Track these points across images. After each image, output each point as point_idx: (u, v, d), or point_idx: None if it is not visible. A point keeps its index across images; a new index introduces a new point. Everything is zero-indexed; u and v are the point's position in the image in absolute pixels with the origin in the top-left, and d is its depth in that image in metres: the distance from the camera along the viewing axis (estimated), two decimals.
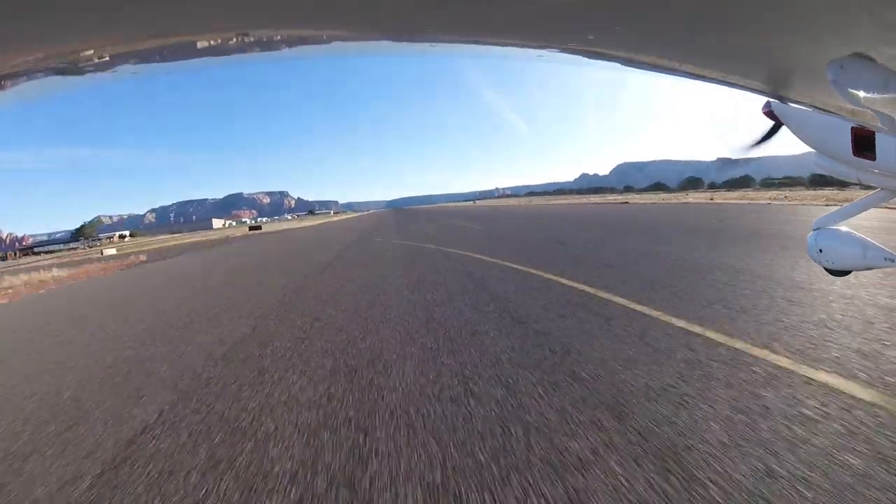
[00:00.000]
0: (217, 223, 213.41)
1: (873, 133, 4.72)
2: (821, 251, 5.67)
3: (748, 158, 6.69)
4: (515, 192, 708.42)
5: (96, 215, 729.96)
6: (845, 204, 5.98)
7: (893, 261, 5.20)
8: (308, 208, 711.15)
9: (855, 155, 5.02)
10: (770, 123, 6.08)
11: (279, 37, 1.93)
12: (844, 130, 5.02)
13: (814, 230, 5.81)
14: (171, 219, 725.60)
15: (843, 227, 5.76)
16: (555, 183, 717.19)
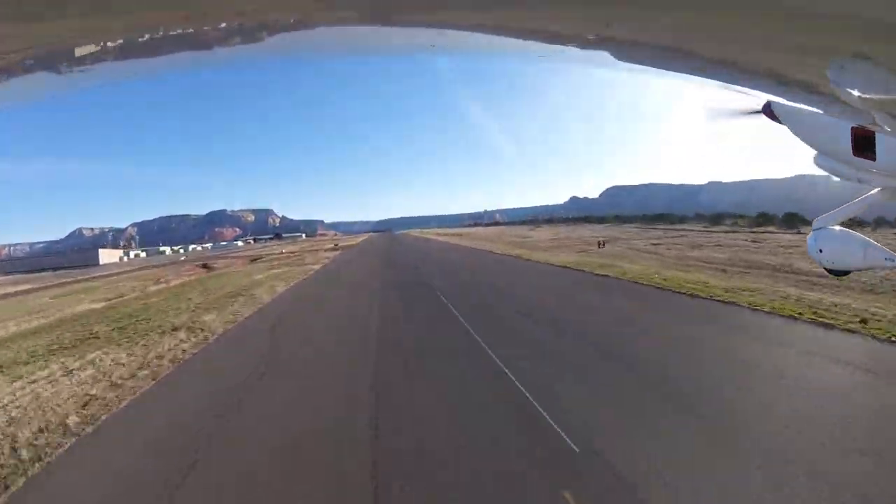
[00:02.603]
0: (108, 256, 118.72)
1: (873, 133, 4.57)
2: (821, 251, 5.89)
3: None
4: (506, 216, 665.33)
5: (77, 226, 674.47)
6: (847, 203, 5.93)
7: (894, 261, 5.37)
8: (293, 227, 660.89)
9: (855, 155, 4.86)
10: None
11: (263, 21, 1.83)
12: (844, 130, 4.85)
13: (814, 230, 6.06)
14: (155, 233, 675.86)
15: (843, 228, 5.88)
16: (545, 206, 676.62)
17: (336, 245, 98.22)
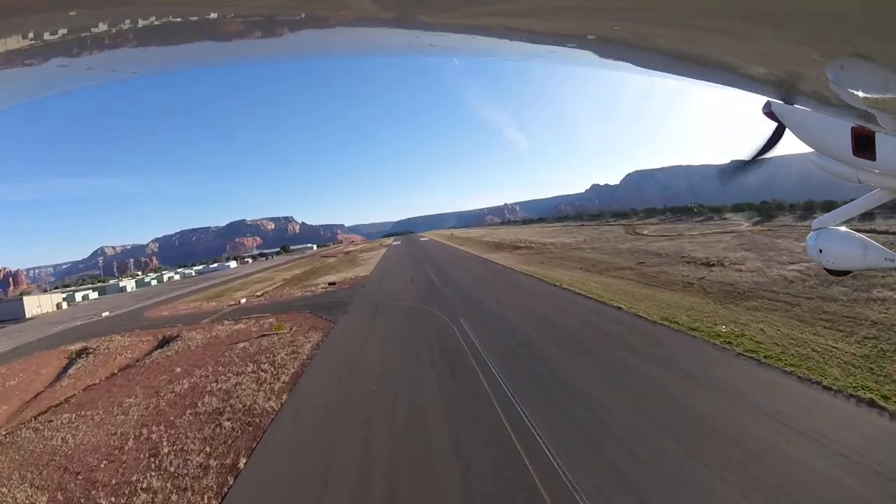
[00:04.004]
0: (34, 304, 79.78)
1: (873, 133, 4.53)
2: (821, 251, 5.72)
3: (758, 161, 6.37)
4: (526, 209, 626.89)
5: (99, 245, 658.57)
6: (846, 203, 5.89)
7: (894, 261, 5.24)
8: (313, 233, 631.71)
9: (855, 155, 4.79)
10: (772, 126, 5.82)
11: (281, 17, 1.86)
12: (844, 130, 4.78)
13: (814, 230, 5.91)
14: (176, 247, 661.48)
15: (843, 228, 5.77)
16: (566, 196, 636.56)
17: (332, 284, 58.34)
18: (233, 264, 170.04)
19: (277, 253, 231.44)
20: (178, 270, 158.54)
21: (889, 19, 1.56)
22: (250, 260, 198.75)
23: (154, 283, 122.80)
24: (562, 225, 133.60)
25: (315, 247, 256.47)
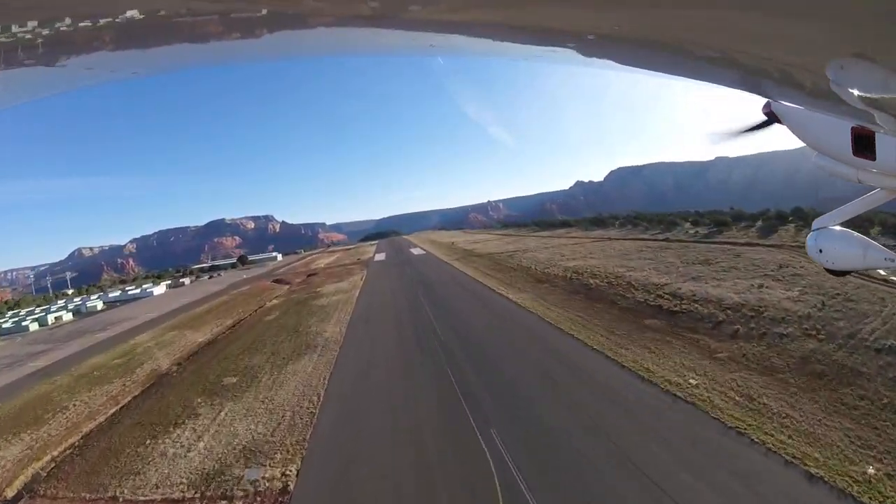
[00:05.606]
0: None
1: (873, 133, 4.32)
2: (821, 251, 5.43)
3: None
4: (510, 206, 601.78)
5: (77, 247, 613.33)
6: (847, 203, 5.59)
7: (894, 261, 4.97)
8: (294, 232, 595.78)
9: (855, 155, 4.58)
10: (762, 118, 5.52)
11: (261, 14, 1.60)
12: (844, 130, 4.54)
13: (814, 230, 5.57)
14: (154, 247, 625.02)
15: (842, 228, 5.47)
16: (550, 193, 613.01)
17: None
18: (160, 289, 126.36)
19: (233, 265, 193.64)
20: (91, 299, 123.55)
21: (889, 19, 1.49)
22: (187, 281, 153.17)
23: (34, 326, 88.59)
24: (625, 233, 75.71)
25: (280, 256, 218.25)
